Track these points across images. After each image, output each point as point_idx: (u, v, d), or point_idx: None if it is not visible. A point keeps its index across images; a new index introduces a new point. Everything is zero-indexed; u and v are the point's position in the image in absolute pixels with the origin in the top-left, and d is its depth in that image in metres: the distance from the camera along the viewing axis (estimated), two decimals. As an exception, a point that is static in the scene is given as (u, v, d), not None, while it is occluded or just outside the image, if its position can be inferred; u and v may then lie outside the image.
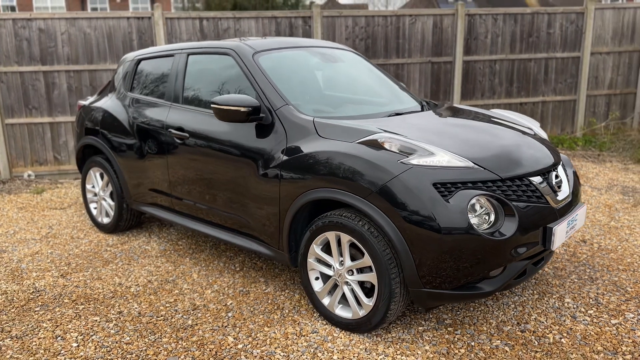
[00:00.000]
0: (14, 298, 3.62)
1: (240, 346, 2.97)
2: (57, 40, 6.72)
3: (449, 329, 3.09)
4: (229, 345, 2.98)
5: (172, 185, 4.00)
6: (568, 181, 3.21)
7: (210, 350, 2.93)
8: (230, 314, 3.32)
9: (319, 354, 2.86)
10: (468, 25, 7.63)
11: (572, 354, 2.83)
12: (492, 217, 2.70)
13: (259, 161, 3.32)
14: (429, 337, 3.01)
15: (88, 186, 4.91)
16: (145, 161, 4.18)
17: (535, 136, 3.42)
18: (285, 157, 3.18)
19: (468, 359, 2.80)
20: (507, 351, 2.87)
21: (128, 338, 3.08)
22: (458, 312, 3.27)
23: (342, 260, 3.01)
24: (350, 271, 2.98)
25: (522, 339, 2.98)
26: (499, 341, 2.96)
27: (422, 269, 2.68)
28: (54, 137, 6.93)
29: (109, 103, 4.58)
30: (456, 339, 2.99)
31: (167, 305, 3.47)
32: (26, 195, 6.18)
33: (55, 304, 3.53)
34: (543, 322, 3.15)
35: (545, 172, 3.00)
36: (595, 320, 3.17)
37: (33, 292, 3.71)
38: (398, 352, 2.86)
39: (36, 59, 6.71)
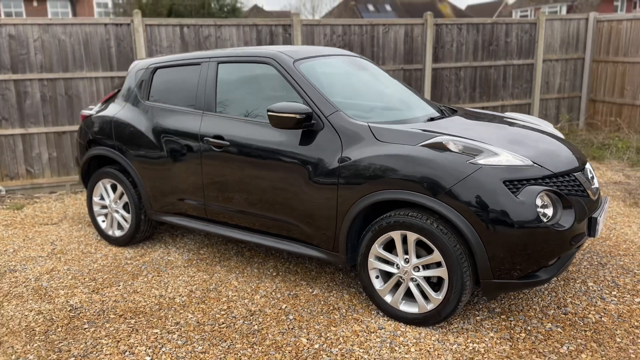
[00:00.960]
0: (53, 317, 3.47)
1: (316, 346, 3.05)
2: (29, 47, 6.37)
3: (502, 316, 3.34)
4: (304, 346, 3.05)
5: (207, 193, 3.98)
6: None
7: (289, 352, 2.99)
8: (290, 317, 3.39)
9: (396, 348, 3.01)
10: (436, 35, 8.06)
11: (616, 330, 3.16)
12: (552, 211, 2.97)
13: (310, 167, 3.42)
14: (488, 325, 3.24)
15: (95, 199, 4.73)
16: (173, 170, 4.13)
17: (557, 137, 3.77)
18: (342, 162, 3.30)
19: (530, 341, 3.06)
20: (560, 332, 3.15)
21: (200, 347, 3.07)
22: (503, 302, 3.53)
23: (406, 258, 3.18)
24: (416, 268, 3.15)
25: (568, 320, 3.28)
26: (549, 324, 3.24)
27: (495, 262, 2.91)
28: (26, 150, 6.56)
29: (123, 112, 4.46)
30: (513, 324, 3.24)
31: (222, 312, 3.47)
32: (6, 212, 5.81)
33: (101, 320, 3.42)
34: (579, 305, 3.48)
35: (582, 168, 3.33)
36: (621, 300, 3.54)
37: (71, 309, 3.57)
38: (468, 341, 3.07)
39: (6, 67, 6.33)
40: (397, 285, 3.29)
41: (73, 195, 6.46)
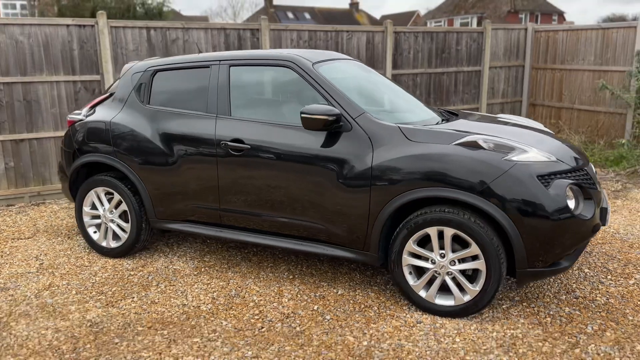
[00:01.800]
0: (75, 334, 3.26)
1: (365, 343, 3.10)
2: (-18, 48, 5.89)
3: (524, 304, 3.57)
4: (353, 343, 3.10)
5: (223, 198, 3.91)
6: (593, 172, 3.92)
7: (341, 350, 3.03)
8: (327, 317, 3.41)
9: (441, 339, 3.13)
10: (395, 42, 8.36)
11: (625, 309, 3.49)
12: (575, 202, 3.24)
13: (339, 168, 3.47)
14: (515, 312, 3.45)
15: (86, 209, 4.47)
16: (182, 176, 4.01)
17: (554, 135, 4.08)
18: (374, 162, 3.38)
19: (557, 325, 3.29)
20: (579, 314, 3.42)
21: (250, 352, 3.02)
22: (519, 290, 3.76)
23: (442, 253, 3.31)
24: (452, 261, 3.30)
25: (581, 303, 3.57)
26: (567, 308, 3.51)
27: (531, 252, 3.12)
28: (-21, 159, 6.04)
29: (121, 117, 4.26)
30: (536, 310, 3.47)
31: (255, 317, 3.43)
32: (-35, 227, 5.33)
33: (130, 333, 3.26)
34: (584, 289, 3.78)
35: (588, 163, 3.65)
36: (617, 282, 3.89)
37: (91, 325, 3.37)
38: (504, 328, 3.25)
39: (-43, 69, 5.81)
40: (430, 279, 3.41)
41: (36, 208, 6.03)
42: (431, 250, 3.35)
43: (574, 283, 3.89)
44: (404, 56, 8.52)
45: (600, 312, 3.46)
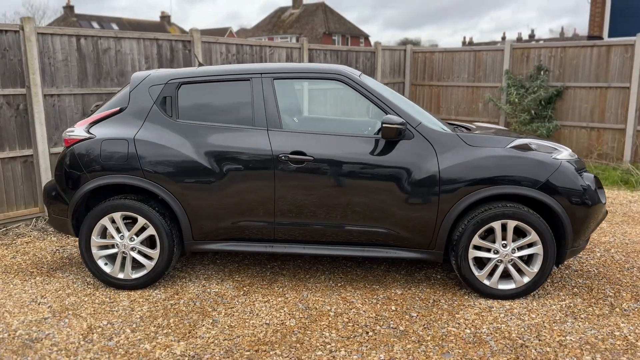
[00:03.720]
0: (182, 370, 2.96)
1: (467, 331, 3.41)
2: None
3: (549, 280, 4.22)
4: (458, 333, 3.38)
5: (280, 211, 3.84)
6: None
7: (455, 340, 3.29)
8: (413, 314, 3.63)
9: (522, 317, 3.59)
10: (309, 58, 8.72)
11: (615, 274, 4.36)
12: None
13: (406, 174, 3.73)
14: (550, 289, 4.07)
15: (95, 238, 3.93)
16: (231, 192, 3.82)
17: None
18: (441, 167, 3.72)
19: (587, 292, 3.99)
20: (592, 283, 4.19)
21: (383, 355, 3.10)
22: (535, 270, 4.41)
23: (504, 243, 3.79)
24: (513, 250, 3.79)
25: (584, 275, 4.35)
26: (579, 279, 4.26)
27: (576, 234, 3.76)
28: None
29: (147, 133, 3.87)
30: (562, 284, 4.14)
31: (349, 324, 3.48)
32: None
33: (242, 358, 3.07)
34: (574, 264, 4.60)
35: (580, 161, 4.48)
36: (589, 257, 4.81)
37: (191, 358, 3.07)
38: (556, 301, 3.84)
39: None
40: (494, 268, 3.85)
41: (-40, 247, 4.99)
42: (493, 242, 3.80)
43: (575, 265, 4.68)
44: (315, 72, 8.90)
45: (601, 279, 4.27)
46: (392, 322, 3.51)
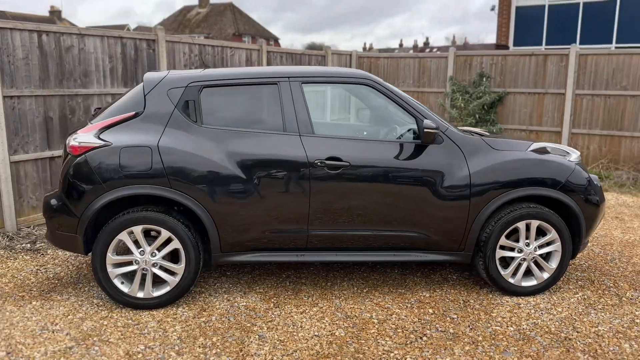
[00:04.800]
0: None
1: (511, 328, 3.54)
2: None
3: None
4: (505, 331, 3.50)
5: (314, 219, 3.73)
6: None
7: (506, 338, 3.40)
8: (453, 316, 3.70)
9: (551, 312, 3.79)
10: (267, 60, 8.56)
11: (604, 266, 4.74)
12: (597, 191, 4.32)
13: (438, 178, 3.81)
14: (559, 283, 4.33)
15: (111, 255, 3.58)
16: (263, 201, 3.66)
17: None
18: (471, 171, 3.83)
19: (591, 285, 4.30)
20: (590, 276, 4.52)
21: (448, 358, 3.13)
22: (536, 266, 4.68)
23: (527, 242, 3.97)
24: (535, 248, 3.99)
25: (580, 269, 4.69)
26: (577, 273, 4.58)
27: (587, 230, 4.04)
28: None
29: (171, 139, 3.58)
30: (567, 278, 4.43)
31: (398, 330, 3.48)
32: None
33: (312, 375, 2.96)
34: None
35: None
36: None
37: (258, 379, 2.91)
38: (570, 295, 4.10)
39: None
40: (518, 267, 4.02)
41: None
42: (516, 241, 3.98)
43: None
44: (271, 74, 8.77)
45: (595, 271, 4.62)
46: (438, 326, 3.56)
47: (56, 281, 4.21)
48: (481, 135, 4.37)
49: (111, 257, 3.59)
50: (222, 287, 4.10)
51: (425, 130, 3.66)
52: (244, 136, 3.70)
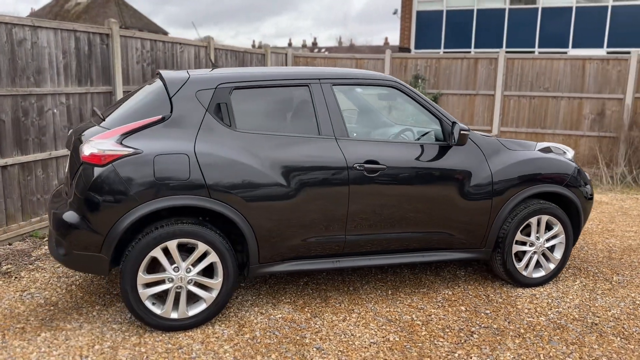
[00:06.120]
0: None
1: (542, 319, 3.75)
2: None
3: (544, 265, 4.82)
4: (538, 323, 3.70)
5: (352, 223, 3.66)
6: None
7: (543, 328, 3.60)
8: (487, 312, 3.83)
9: (565, 300, 4.06)
10: (215, 57, 8.20)
11: (591, 259, 5.19)
12: (582, 186, 4.71)
13: (465, 178, 3.93)
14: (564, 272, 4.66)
15: (143, 275, 3.23)
16: (303, 207, 3.51)
17: None
18: (492, 169, 4.00)
19: (588, 274, 4.70)
20: (584, 267, 4.93)
21: (509, 355, 3.25)
22: (526, 258, 4.99)
23: (537, 236, 4.23)
24: (544, 241, 4.26)
25: (572, 262, 5.09)
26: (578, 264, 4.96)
27: (584, 223, 4.41)
28: None
29: (206, 145, 3.29)
30: (566, 269, 4.78)
31: (447, 331, 3.54)
32: None
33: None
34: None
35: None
36: (546, 241, 5.62)
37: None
38: (571, 282, 4.43)
39: None
40: (529, 259, 4.25)
41: None
42: (528, 235, 4.22)
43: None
44: (217, 73, 8.44)
45: (576, 259, 5.04)
46: (478, 322, 3.66)
47: (52, 307, 3.70)
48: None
49: (142, 277, 3.24)
50: (246, 300, 3.88)
51: (461, 132, 3.74)
52: (281, 141, 3.52)
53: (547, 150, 4.34)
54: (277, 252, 3.57)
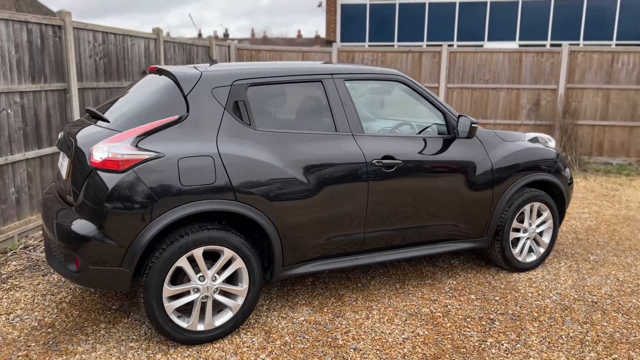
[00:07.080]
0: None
1: (548, 301, 3.94)
2: None
3: (526, 250, 5.07)
4: (547, 305, 3.88)
5: (370, 220, 3.62)
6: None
7: (550, 310, 3.78)
8: (497, 298, 3.96)
9: (559, 284, 4.29)
10: (164, 51, 7.78)
11: (578, 244, 5.52)
12: (559, 173, 4.99)
13: (471, 170, 4.03)
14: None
15: (168, 287, 2.99)
16: (326, 206, 3.42)
17: None
18: (493, 161, 4.13)
19: (577, 258, 4.99)
20: (579, 250, 5.22)
21: (535, 338, 3.38)
22: (508, 244, 5.22)
23: (530, 222, 4.43)
24: (535, 227, 4.47)
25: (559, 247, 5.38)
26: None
27: (566, 209, 4.68)
28: None
29: (229, 145, 3.09)
30: (554, 255, 5.04)
31: (469, 320, 3.61)
32: None
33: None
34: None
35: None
36: (516, 226, 5.91)
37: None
38: (557, 265, 4.69)
39: None
40: (523, 245, 4.44)
41: None
42: (521, 222, 4.41)
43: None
44: (172, 63, 8.02)
45: (562, 247, 5.34)
46: (494, 309, 3.78)
47: (49, 329, 3.34)
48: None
49: (168, 289, 3.01)
50: (261, 305, 3.72)
51: (472, 125, 3.82)
52: (301, 139, 3.40)
53: (534, 140, 4.55)
54: (301, 254, 3.45)
